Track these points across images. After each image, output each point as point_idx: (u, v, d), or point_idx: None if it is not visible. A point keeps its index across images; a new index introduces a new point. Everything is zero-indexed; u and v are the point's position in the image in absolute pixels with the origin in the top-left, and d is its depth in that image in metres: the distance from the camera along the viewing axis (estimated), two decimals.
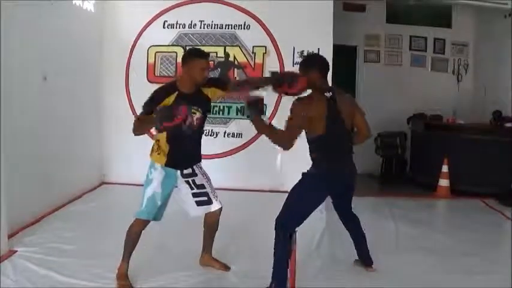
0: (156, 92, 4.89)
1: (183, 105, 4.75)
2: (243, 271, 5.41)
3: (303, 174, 5.10)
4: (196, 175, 5.18)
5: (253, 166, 9.12)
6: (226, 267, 5.42)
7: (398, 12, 11.65)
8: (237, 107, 9.19)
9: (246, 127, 9.13)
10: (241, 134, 9.18)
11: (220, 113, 9.13)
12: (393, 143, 10.60)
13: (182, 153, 5.03)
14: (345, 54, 10.96)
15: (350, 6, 11.31)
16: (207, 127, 9.00)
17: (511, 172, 9.25)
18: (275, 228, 4.91)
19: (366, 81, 11.45)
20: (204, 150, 9.08)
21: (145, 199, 4.91)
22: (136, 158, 8.92)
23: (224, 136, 9.24)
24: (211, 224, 5.31)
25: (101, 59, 9.17)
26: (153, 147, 5.02)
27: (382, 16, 11.65)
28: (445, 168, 9.42)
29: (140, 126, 4.81)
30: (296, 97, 4.81)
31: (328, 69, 4.97)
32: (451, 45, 11.89)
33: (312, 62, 4.99)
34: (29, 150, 6.59)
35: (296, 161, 9.06)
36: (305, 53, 8.32)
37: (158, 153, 4.95)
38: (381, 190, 10.24)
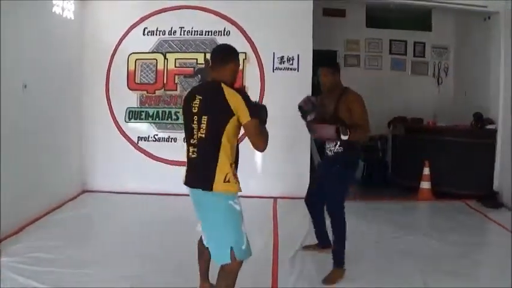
0: (250, 98, 4.08)
1: None
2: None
3: (338, 161, 5.60)
4: None
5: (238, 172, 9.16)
6: None
7: (378, 17, 11.75)
8: None
9: None
10: None
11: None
12: (374, 146, 10.71)
13: None
14: (325, 59, 11.03)
15: (330, 11, 11.43)
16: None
17: (493, 174, 9.38)
18: (331, 213, 5.58)
19: (347, 85, 11.51)
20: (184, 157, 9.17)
21: (245, 236, 4.19)
22: (115, 167, 9.01)
23: None
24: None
25: (81, 67, 9.20)
26: (228, 177, 4.05)
27: (362, 21, 11.78)
28: (426, 171, 9.54)
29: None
30: (349, 91, 5.68)
31: None
32: (431, 48, 12.02)
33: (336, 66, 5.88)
34: (9, 159, 6.57)
35: (279, 168, 9.19)
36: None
37: (238, 182, 4.13)
38: (363, 194, 10.23)
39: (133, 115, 9.32)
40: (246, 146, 9.04)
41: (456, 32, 11.87)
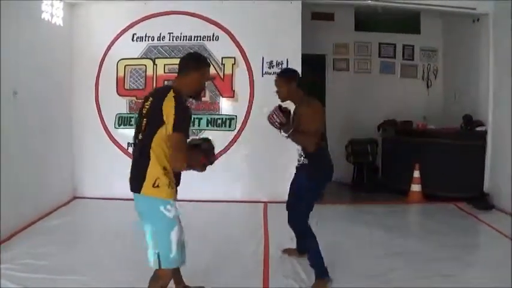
0: (185, 110, 4.05)
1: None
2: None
3: (306, 174, 5.58)
4: None
5: (225, 177, 9.19)
6: None
7: (367, 20, 11.80)
8: (207, 119, 9.28)
9: (216, 138, 9.24)
10: None
11: (191, 124, 9.15)
12: (364, 150, 10.73)
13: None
14: (314, 63, 11.06)
15: (318, 15, 11.45)
16: None
17: (483, 175, 9.42)
18: (293, 226, 5.83)
19: (336, 89, 11.57)
20: None
21: (174, 245, 4.13)
22: (105, 173, 9.01)
23: None
24: None
25: (71, 73, 9.24)
26: (158, 182, 4.05)
27: (351, 24, 11.81)
28: (416, 174, 9.60)
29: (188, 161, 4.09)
30: (303, 103, 5.54)
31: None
32: (420, 51, 12.05)
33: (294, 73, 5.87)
34: (1, 167, 6.63)
35: (269, 172, 9.20)
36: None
37: (172, 188, 4.14)
38: (354, 197, 10.38)
39: (123, 121, 9.34)
40: (235, 151, 9.13)
41: (445, 34, 11.91)
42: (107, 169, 9.11)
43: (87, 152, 9.27)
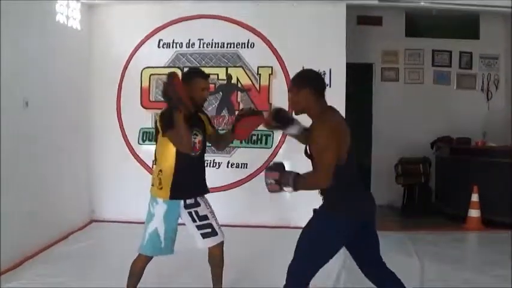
0: (167, 116, 4.87)
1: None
2: None
3: (318, 213, 4.34)
4: (199, 205, 5.25)
5: (259, 200, 8.95)
6: None
7: (419, 24, 11.72)
8: None
9: (251, 157, 9.09)
10: (246, 164, 9.13)
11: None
12: (416, 170, 10.62)
13: (185, 183, 5.11)
14: (360, 72, 10.94)
15: (365, 19, 11.38)
16: (209, 157, 8.93)
17: None
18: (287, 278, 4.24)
19: (384, 102, 11.45)
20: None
21: (147, 234, 5.07)
22: (127, 194, 8.94)
23: (227, 167, 9.25)
24: (215, 258, 5.36)
25: (89, 83, 9.23)
26: (153, 181, 5.09)
27: (401, 29, 11.70)
28: (474, 197, 9.38)
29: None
30: (318, 120, 4.17)
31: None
32: (479, 58, 11.87)
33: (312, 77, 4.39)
34: (11, 185, 6.56)
35: (305, 194, 8.98)
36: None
37: (160, 188, 5.02)
38: (403, 223, 10.26)
39: (148, 136, 9.27)
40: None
41: (507, 39, 11.68)
42: (129, 189, 8.99)
43: (107, 171, 9.22)
